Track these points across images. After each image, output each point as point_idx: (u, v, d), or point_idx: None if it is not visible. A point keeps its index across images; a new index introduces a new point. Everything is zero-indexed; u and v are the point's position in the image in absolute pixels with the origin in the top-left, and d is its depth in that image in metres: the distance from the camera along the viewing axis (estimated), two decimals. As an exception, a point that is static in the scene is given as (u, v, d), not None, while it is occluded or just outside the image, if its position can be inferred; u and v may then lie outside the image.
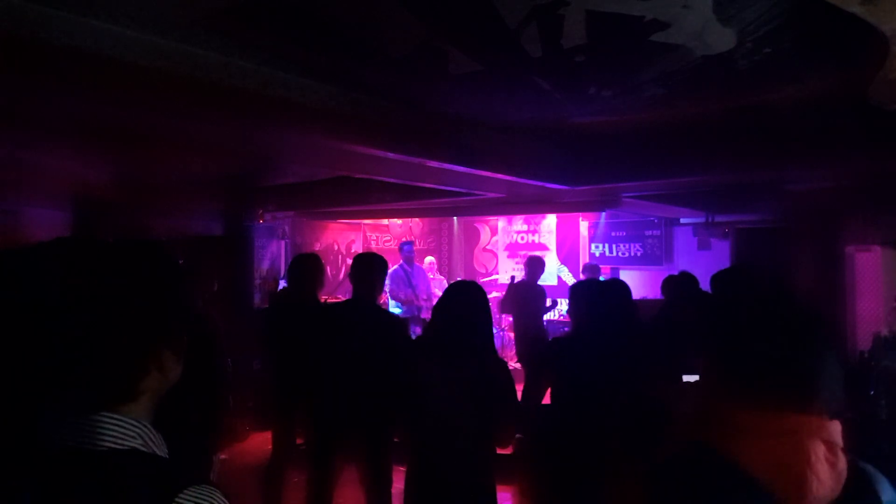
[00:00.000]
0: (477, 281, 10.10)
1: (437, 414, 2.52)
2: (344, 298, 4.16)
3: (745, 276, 3.87)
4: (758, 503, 0.97)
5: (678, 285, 4.26)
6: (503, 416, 2.54)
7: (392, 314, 3.62)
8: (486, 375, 2.52)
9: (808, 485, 0.96)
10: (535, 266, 7.05)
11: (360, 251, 9.57)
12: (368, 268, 3.51)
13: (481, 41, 2.88)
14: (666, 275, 4.63)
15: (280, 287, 7.26)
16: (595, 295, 2.94)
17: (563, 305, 9.54)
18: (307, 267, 3.99)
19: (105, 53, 2.57)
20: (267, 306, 6.93)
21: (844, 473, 0.99)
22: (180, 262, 1.00)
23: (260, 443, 5.83)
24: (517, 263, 10.74)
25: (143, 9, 2.48)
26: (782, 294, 1.13)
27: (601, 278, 8.04)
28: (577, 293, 3.00)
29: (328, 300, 4.08)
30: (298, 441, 4.26)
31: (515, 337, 7.27)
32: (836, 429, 1.00)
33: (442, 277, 9.43)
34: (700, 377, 1.20)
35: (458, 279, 3.42)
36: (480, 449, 2.55)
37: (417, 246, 10.94)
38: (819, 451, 0.98)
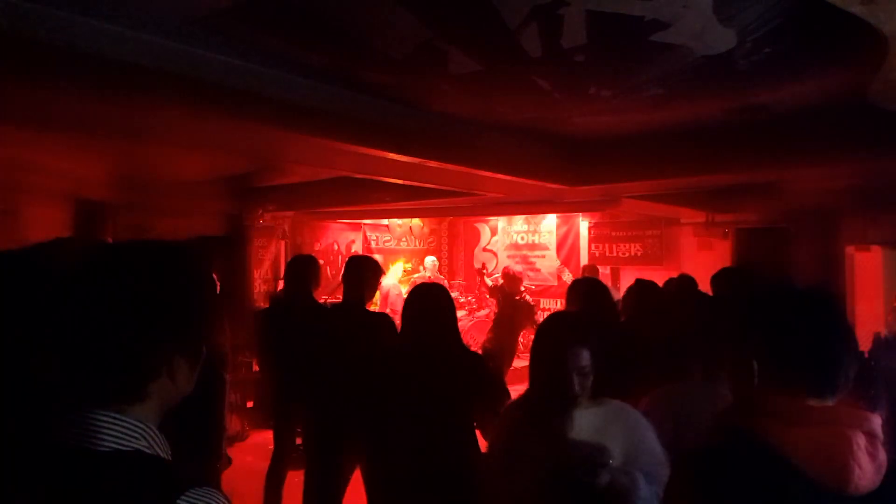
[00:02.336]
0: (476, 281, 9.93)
1: (414, 417, 2.48)
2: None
3: (747, 276, 3.87)
4: (801, 490, 0.99)
5: (678, 286, 4.25)
6: (487, 406, 2.54)
7: (380, 314, 3.63)
8: (461, 372, 2.52)
9: (850, 473, 0.98)
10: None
11: (360, 251, 9.58)
12: (360, 271, 3.53)
13: (481, 41, 2.88)
14: (666, 276, 4.63)
15: (280, 287, 7.26)
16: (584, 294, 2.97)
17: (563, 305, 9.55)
18: (303, 268, 4.00)
19: (105, 53, 2.57)
20: (266, 307, 6.94)
21: (885, 466, 1.01)
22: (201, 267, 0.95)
23: (260, 443, 5.83)
24: (516, 263, 10.73)
25: (143, 9, 2.48)
26: (814, 290, 1.17)
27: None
28: (571, 292, 3.06)
29: (328, 300, 4.09)
30: (298, 441, 4.27)
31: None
32: (876, 422, 1.03)
33: (442, 277, 9.43)
34: (734, 370, 1.22)
35: (421, 282, 3.41)
36: (463, 447, 2.53)
37: (418, 246, 10.95)
38: (861, 441, 1.00)
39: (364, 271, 3.55)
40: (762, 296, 1.21)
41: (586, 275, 8.48)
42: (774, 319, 1.14)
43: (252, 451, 5.69)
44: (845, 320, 1.12)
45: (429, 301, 2.65)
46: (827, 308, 1.12)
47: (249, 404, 6.17)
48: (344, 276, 3.56)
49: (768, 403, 1.07)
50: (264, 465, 4.07)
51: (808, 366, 1.07)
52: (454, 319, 2.68)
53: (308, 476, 3.52)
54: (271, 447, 4.17)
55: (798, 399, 1.05)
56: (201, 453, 2.73)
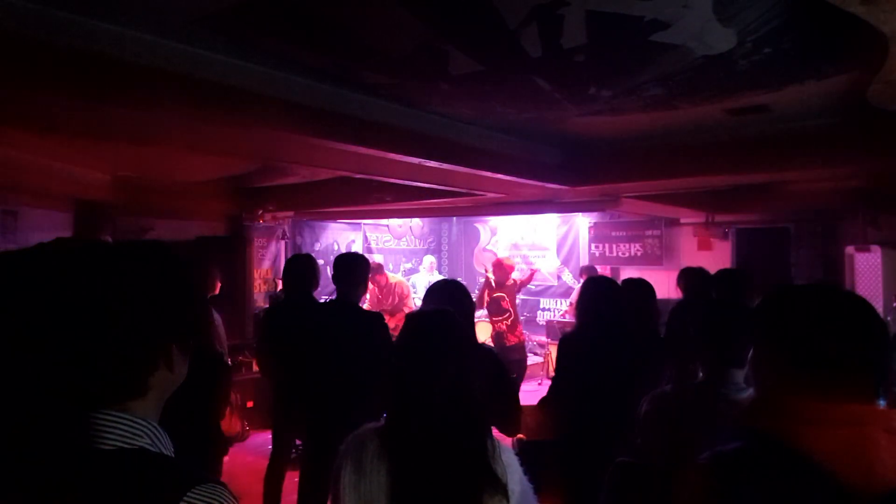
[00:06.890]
0: (477, 281, 9.98)
1: (425, 414, 2.49)
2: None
3: (748, 276, 3.86)
4: (824, 491, 0.98)
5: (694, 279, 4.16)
6: (501, 404, 2.52)
7: (374, 313, 3.63)
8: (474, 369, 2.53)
9: (874, 472, 0.97)
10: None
11: (360, 251, 9.58)
12: (350, 268, 3.53)
13: (481, 41, 2.88)
14: (666, 276, 4.61)
15: (279, 287, 7.26)
16: (601, 294, 2.96)
17: (563, 305, 9.55)
18: (303, 268, 4.00)
19: (105, 53, 2.58)
20: (266, 307, 6.95)
21: None
22: (186, 261, 1.00)
23: (260, 443, 5.84)
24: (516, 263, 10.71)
25: (144, 9, 2.48)
26: (838, 287, 1.14)
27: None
28: (585, 290, 3.05)
29: (329, 300, 4.09)
30: (298, 441, 4.27)
31: None
32: None
33: (442, 277, 9.43)
34: (755, 369, 1.21)
35: (441, 278, 3.38)
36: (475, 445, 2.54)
37: (418, 246, 10.95)
38: (882, 439, 0.99)
39: (354, 268, 3.55)
40: (789, 296, 1.17)
41: (584, 276, 8.48)
42: (814, 321, 1.09)
43: (252, 451, 5.70)
44: (882, 320, 1.09)
45: (445, 295, 2.68)
46: (865, 308, 1.09)
47: (249, 404, 6.18)
48: (335, 275, 3.57)
49: (795, 406, 1.05)
50: (264, 464, 4.07)
51: (857, 370, 1.04)
52: (468, 314, 2.69)
53: (303, 475, 3.52)
54: (271, 447, 4.18)
55: (835, 402, 1.02)
56: (204, 442, 2.74)
